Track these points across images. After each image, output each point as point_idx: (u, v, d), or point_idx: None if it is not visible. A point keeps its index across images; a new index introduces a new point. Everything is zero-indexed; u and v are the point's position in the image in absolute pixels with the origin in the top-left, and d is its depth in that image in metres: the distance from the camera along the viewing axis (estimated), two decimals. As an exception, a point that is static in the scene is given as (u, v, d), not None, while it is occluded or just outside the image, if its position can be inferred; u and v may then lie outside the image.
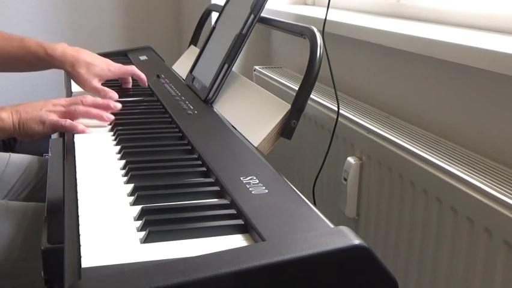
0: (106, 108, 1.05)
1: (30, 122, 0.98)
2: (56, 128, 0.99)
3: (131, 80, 1.32)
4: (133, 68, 1.29)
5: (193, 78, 1.27)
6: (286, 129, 0.93)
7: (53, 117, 0.99)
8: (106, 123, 1.03)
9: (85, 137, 0.97)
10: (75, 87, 1.31)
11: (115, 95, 1.18)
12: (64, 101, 1.04)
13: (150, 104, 1.17)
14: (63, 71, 1.25)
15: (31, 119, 0.98)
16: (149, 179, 0.78)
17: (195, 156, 0.86)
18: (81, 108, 1.02)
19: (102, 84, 1.22)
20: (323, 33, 1.07)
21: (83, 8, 2.43)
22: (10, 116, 0.98)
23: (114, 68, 1.25)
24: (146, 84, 1.30)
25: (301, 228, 0.62)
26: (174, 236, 0.62)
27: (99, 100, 1.06)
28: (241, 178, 0.74)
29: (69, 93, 1.29)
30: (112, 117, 1.04)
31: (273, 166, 0.80)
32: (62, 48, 1.22)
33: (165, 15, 2.54)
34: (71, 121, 0.99)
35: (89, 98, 1.04)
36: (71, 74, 1.22)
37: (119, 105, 1.07)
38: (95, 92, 1.20)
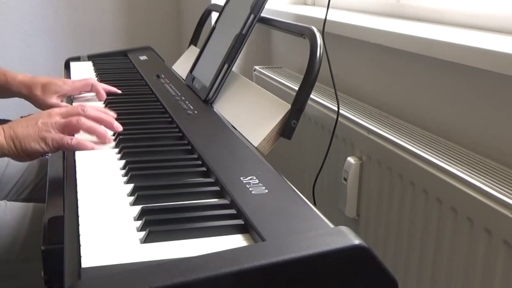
0: (108, 125, 0.95)
1: (29, 139, 0.87)
2: (61, 147, 0.89)
3: (102, 92, 1.23)
4: (92, 82, 1.23)
5: (193, 78, 1.27)
6: (286, 129, 0.93)
7: (55, 134, 0.89)
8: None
9: (85, 137, 0.97)
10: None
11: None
12: (59, 110, 0.93)
13: (150, 104, 1.17)
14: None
15: (28, 136, 0.88)
16: (149, 179, 0.78)
17: (195, 156, 0.86)
18: (84, 121, 0.91)
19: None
20: (323, 33, 1.07)
21: (83, 8, 2.43)
22: (1, 131, 0.88)
23: (72, 82, 1.24)
24: (104, 97, 1.22)
25: (301, 228, 0.62)
26: (174, 236, 0.62)
27: (101, 114, 0.95)
28: (241, 178, 0.74)
29: (69, 102, 1.29)
30: (112, 139, 0.94)
31: (273, 166, 0.80)
32: (22, 76, 1.24)
33: (165, 15, 2.54)
34: (78, 139, 0.89)
35: (90, 109, 0.94)
36: (29, 98, 1.23)
37: (120, 128, 0.96)
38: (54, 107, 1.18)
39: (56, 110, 0.94)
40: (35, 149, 0.88)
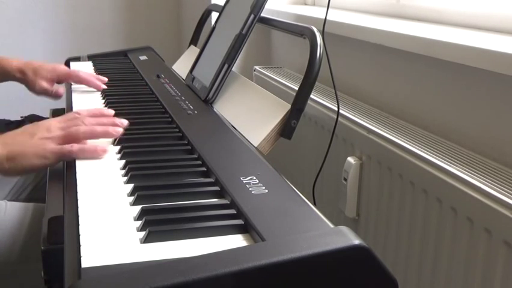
0: (111, 124, 0.92)
1: (26, 156, 0.82)
2: (61, 157, 0.84)
3: (90, 82, 1.31)
4: (77, 72, 1.32)
5: (193, 78, 1.27)
6: (286, 129, 0.93)
7: (53, 146, 0.84)
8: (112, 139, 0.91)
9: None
10: (75, 88, 1.31)
11: (62, 90, 1.31)
12: (57, 122, 0.89)
13: (150, 104, 1.17)
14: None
15: (25, 152, 0.82)
16: (149, 179, 0.78)
17: (195, 156, 0.86)
18: (83, 128, 0.87)
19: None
20: (323, 33, 1.07)
21: (83, 8, 2.43)
22: None
23: (60, 70, 1.33)
24: (100, 88, 1.29)
25: (301, 228, 0.62)
26: (174, 236, 0.62)
27: (101, 119, 0.93)
28: (241, 178, 0.74)
29: (69, 93, 1.30)
30: (121, 130, 0.91)
31: (273, 166, 0.80)
32: (16, 62, 1.34)
33: (165, 15, 2.54)
34: (79, 145, 0.85)
35: (88, 114, 0.92)
36: (21, 80, 1.32)
37: (125, 122, 0.94)
38: (44, 91, 1.31)
39: (54, 123, 0.89)
40: (34, 164, 0.83)
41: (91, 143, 0.89)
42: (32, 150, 0.83)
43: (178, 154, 0.88)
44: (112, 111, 0.97)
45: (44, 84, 1.30)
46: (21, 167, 0.83)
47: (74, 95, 1.27)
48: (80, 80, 1.32)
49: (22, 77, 1.31)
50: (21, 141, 0.83)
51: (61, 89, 1.32)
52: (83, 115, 0.91)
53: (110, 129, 0.90)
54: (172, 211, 0.68)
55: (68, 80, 1.34)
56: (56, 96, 1.32)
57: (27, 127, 0.87)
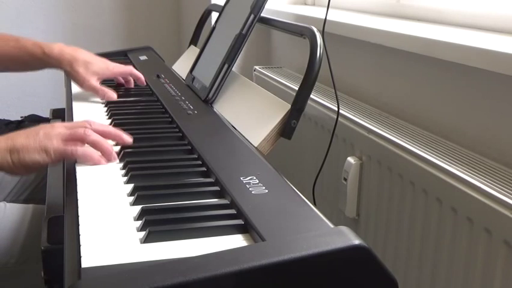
0: (117, 138, 0.89)
1: (28, 149, 0.81)
2: (64, 155, 0.83)
3: (132, 80, 1.32)
4: (131, 68, 1.31)
5: (193, 78, 1.27)
6: (286, 129, 0.93)
7: (58, 143, 0.82)
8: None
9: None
10: (75, 88, 1.31)
11: (114, 95, 1.20)
12: (63, 123, 0.88)
13: (150, 104, 1.17)
14: (62, 72, 1.25)
15: (28, 146, 0.81)
16: (149, 179, 0.78)
17: (195, 156, 0.86)
18: (91, 133, 0.84)
19: (101, 83, 1.23)
20: (323, 33, 1.07)
21: (83, 8, 2.43)
22: None
23: (113, 67, 1.26)
24: (145, 83, 1.31)
25: (301, 228, 0.62)
26: (174, 236, 0.62)
27: (109, 128, 0.90)
28: (241, 178, 0.74)
29: (69, 93, 1.29)
30: (117, 157, 0.86)
31: (273, 166, 0.80)
32: (59, 48, 1.21)
33: (165, 15, 2.54)
34: (84, 149, 0.83)
35: (97, 124, 0.88)
36: (70, 73, 1.21)
37: (130, 140, 0.90)
38: (94, 91, 1.20)
39: (61, 123, 0.87)
40: (35, 160, 0.81)
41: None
42: (35, 145, 0.81)
43: (178, 154, 0.88)
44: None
45: (94, 82, 1.20)
46: (24, 161, 0.81)
47: (74, 95, 1.27)
48: (134, 76, 1.29)
49: (70, 70, 1.20)
50: (25, 136, 0.82)
51: (112, 92, 1.20)
52: (93, 124, 0.88)
53: (113, 154, 0.86)
54: (172, 211, 0.68)
55: (121, 76, 1.30)
56: (107, 97, 1.20)
57: (34, 127, 0.86)
